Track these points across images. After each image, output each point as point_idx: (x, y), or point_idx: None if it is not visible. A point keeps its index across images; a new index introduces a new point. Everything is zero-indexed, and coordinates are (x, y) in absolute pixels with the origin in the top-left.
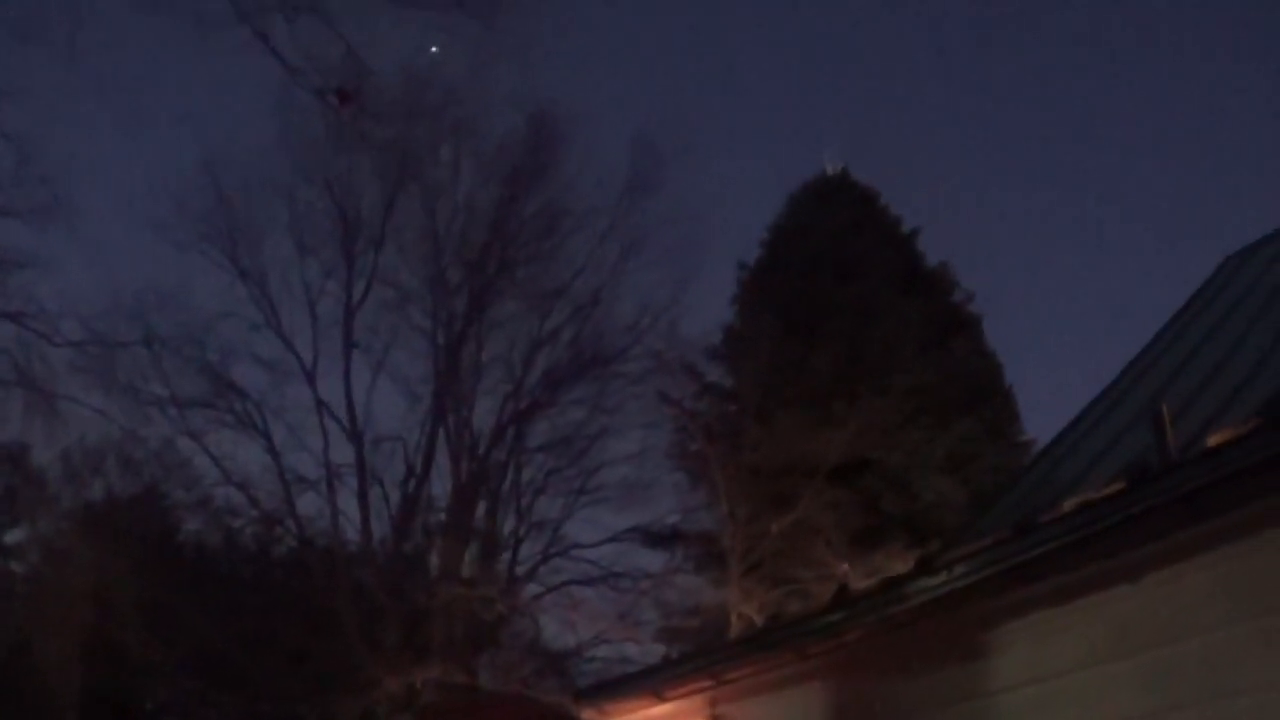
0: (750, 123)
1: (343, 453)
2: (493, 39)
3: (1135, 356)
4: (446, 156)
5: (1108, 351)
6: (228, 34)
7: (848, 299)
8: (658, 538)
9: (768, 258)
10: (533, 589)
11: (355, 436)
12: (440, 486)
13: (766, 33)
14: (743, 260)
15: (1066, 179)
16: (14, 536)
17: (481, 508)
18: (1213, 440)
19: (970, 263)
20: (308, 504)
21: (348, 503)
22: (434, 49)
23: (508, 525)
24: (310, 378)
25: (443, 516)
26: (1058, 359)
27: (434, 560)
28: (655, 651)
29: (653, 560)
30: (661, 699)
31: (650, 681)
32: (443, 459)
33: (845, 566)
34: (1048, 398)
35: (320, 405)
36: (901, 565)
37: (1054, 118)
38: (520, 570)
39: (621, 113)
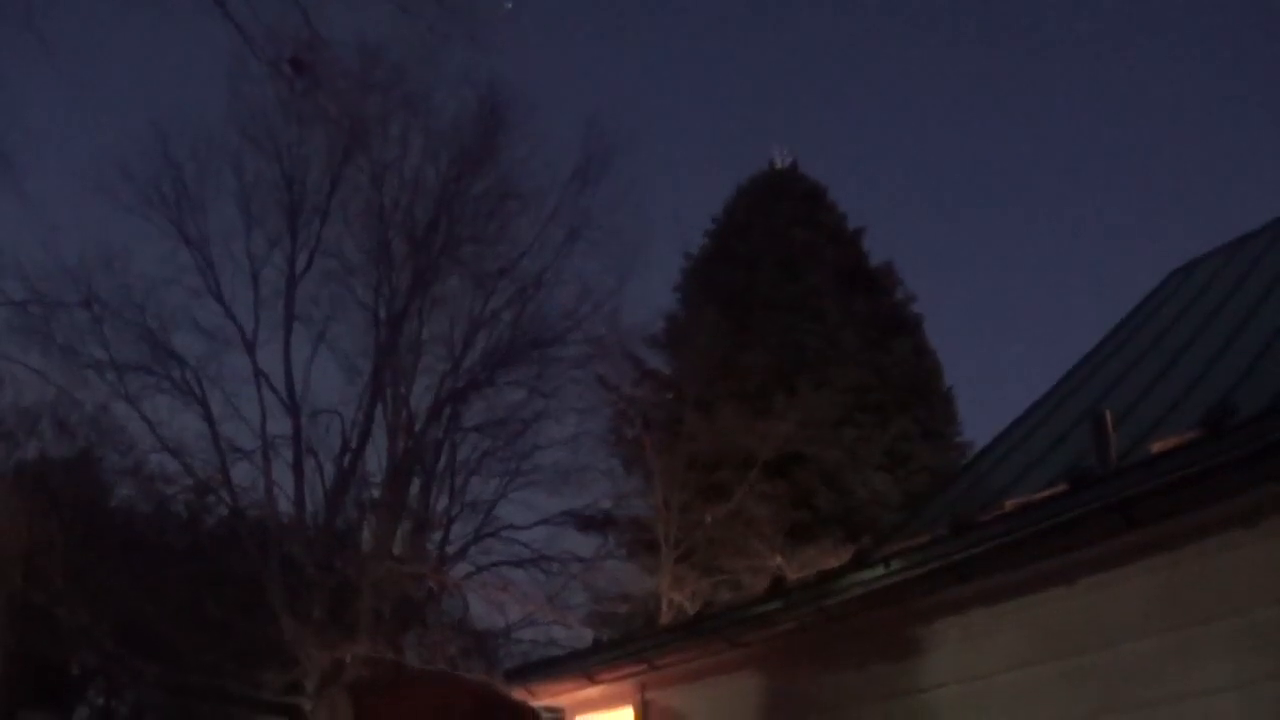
0: (703, 112)
1: (279, 424)
2: (446, 17)
3: (1078, 362)
4: (396, 132)
5: (1048, 359)
6: None
7: (791, 294)
8: (590, 522)
9: (713, 248)
10: (463, 568)
11: (292, 408)
12: (375, 462)
13: (724, 23)
14: (688, 249)
15: (1015, 185)
16: None
17: (415, 485)
18: (1154, 448)
19: (914, 264)
20: (241, 474)
21: (282, 475)
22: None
23: (440, 504)
24: (250, 347)
25: (376, 493)
26: (999, 364)
27: (366, 536)
28: (584, 636)
29: (584, 544)
30: (592, 681)
31: (581, 664)
32: (379, 435)
33: (779, 558)
34: (987, 401)
35: (259, 375)
36: (834, 560)
37: (1005, 126)
38: (451, 549)
39: (573, 97)
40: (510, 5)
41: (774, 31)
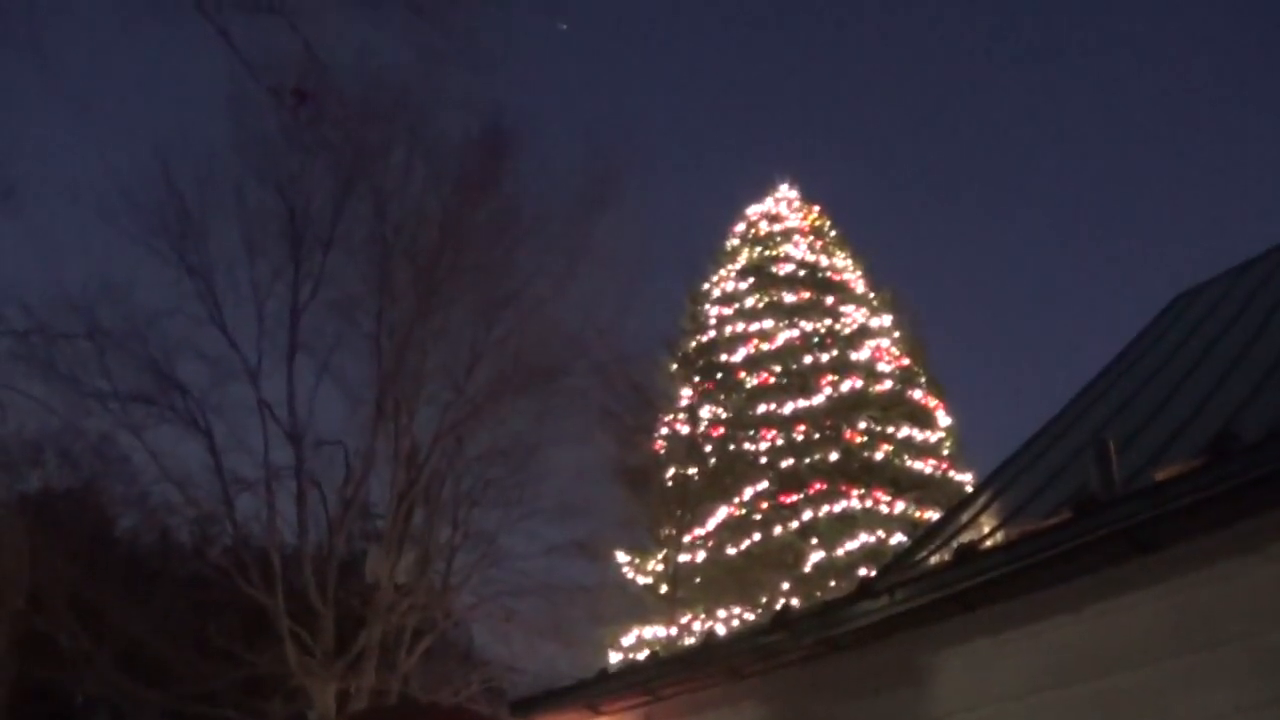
0: (704, 137)
1: (283, 454)
2: (449, 45)
3: (1082, 389)
4: (398, 160)
5: (1052, 387)
6: (185, 26)
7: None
8: (595, 551)
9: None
10: (467, 599)
11: (295, 438)
12: (379, 492)
13: (722, 50)
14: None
15: (1019, 214)
16: None
17: (419, 515)
18: (1159, 475)
19: (918, 287)
20: (245, 504)
21: (285, 505)
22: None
23: (444, 534)
24: (253, 377)
25: (379, 523)
26: (1001, 391)
27: (369, 566)
28: (589, 665)
29: (589, 573)
30: (596, 713)
31: (585, 694)
32: (383, 465)
33: (785, 587)
34: (989, 429)
35: (262, 405)
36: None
37: (1010, 157)
38: (455, 579)
39: (576, 124)
40: (565, 27)
41: (778, 52)
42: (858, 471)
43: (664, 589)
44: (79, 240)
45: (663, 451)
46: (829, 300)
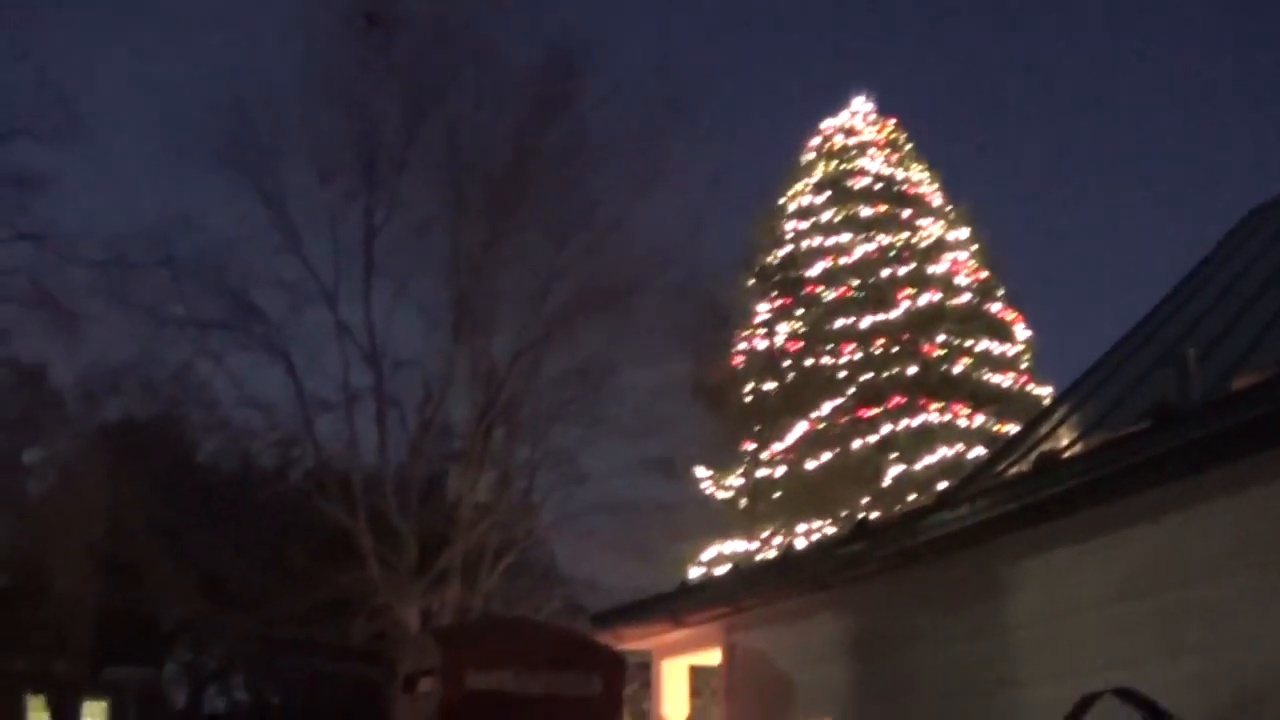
0: (777, 52)
1: (362, 377)
2: None
3: (1159, 302)
4: (469, 82)
5: (1130, 300)
6: None
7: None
8: (674, 468)
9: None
10: (548, 516)
11: (374, 360)
12: (458, 412)
13: None
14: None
15: (1098, 124)
16: (32, 456)
17: (498, 434)
18: (1237, 384)
19: (995, 206)
20: (326, 427)
21: (366, 427)
22: None
23: (524, 453)
24: (331, 301)
25: (459, 442)
26: (1081, 306)
27: (450, 486)
28: (668, 582)
29: (668, 490)
30: (679, 625)
31: (669, 607)
32: (461, 385)
33: (864, 501)
34: (1068, 342)
35: (340, 328)
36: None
37: (1082, 64)
38: (536, 498)
39: (647, 41)
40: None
41: None
42: (936, 385)
43: (743, 504)
44: (154, 173)
45: (741, 367)
46: (905, 214)
